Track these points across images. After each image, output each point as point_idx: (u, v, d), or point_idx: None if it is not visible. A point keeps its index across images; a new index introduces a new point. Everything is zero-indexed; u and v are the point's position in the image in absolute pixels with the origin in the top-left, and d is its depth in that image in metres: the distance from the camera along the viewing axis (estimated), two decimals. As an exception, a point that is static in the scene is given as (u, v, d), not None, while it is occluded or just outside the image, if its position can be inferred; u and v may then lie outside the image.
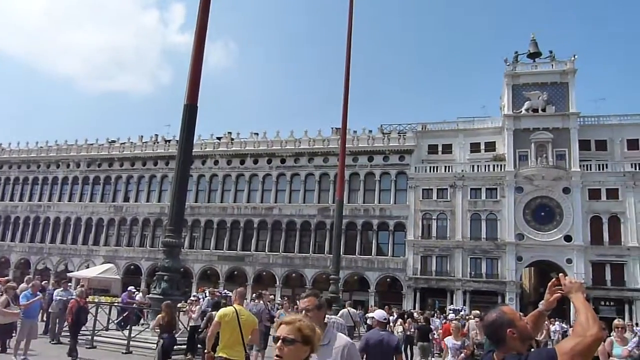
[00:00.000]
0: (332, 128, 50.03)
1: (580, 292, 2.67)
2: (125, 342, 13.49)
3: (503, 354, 2.55)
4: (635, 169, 41.43)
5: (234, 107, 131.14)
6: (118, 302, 22.57)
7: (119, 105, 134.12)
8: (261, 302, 13.56)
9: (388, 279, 45.17)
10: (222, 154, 52.23)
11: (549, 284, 3.12)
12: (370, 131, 49.64)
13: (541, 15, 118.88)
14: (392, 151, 47.17)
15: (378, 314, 6.94)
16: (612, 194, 41.61)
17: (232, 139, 53.66)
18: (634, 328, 23.51)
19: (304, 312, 3.45)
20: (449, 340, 9.63)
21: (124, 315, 17.14)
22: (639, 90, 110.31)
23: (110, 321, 16.29)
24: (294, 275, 47.60)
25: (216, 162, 52.23)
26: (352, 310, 20.35)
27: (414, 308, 39.12)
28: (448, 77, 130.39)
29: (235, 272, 49.01)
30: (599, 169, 42.33)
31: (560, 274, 3.01)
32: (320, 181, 48.55)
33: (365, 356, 5.89)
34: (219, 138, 54.35)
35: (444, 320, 24.06)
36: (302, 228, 47.83)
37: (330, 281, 13.09)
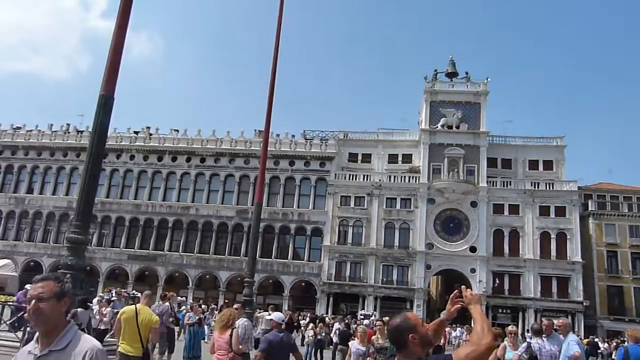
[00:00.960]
0: (255, 130, 49.84)
1: (478, 304, 2.92)
2: (19, 345, 12.63)
3: (404, 358, 2.65)
4: (535, 187, 44.77)
5: (155, 102, 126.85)
6: (13, 301, 21.04)
7: (30, 89, 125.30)
8: (166, 303, 13.26)
9: (303, 283, 45.56)
10: (138, 149, 50.28)
11: (451, 295, 3.30)
12: (293, 136, 49.97)
13: (461, 37, 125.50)
14: (313, 157, 47.75)
15: (276, 315, 7.28)
16: (514, 209, 44.69)
17: (151, 135, 51.80)
18: (526, 334, 25.36)
19: (33, 301, 2.51)
20: (354, 345, 9.18)
21: (19, 315, 16.05)
22: (541, 115, 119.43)
23: (3, 322, 15.18)
24: (207, 277, 46.73)
25: (132, 157, 50.18)
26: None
27: (327, 313, 39.78)
28: (372, 89, 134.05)
29: (146, 273, 47.27)
30: (504, 186, 45.35)
31: (463, 286, 3.20)
32: (240, 183, 48.08)
33: (267, 356, 6.26)
34: (136, 132, 52.28)
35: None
36: (219, 229, 47.09)
37: (245, 284, 13.02)
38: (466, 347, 2.58)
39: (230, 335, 7.00)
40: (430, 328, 3.22)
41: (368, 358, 8.99)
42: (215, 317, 16.07)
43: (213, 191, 48.47)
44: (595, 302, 43.33)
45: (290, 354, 6.60)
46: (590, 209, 46.39)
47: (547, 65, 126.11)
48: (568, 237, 43.41)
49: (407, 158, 49.00)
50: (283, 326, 6.96)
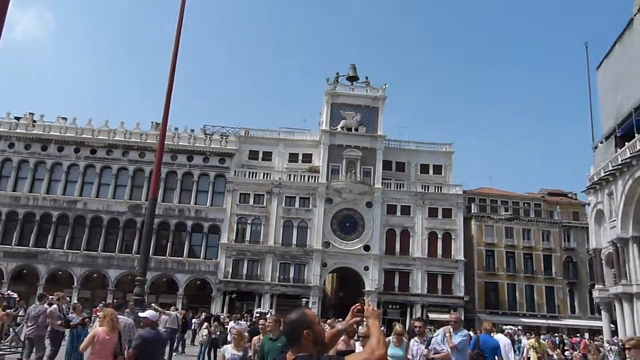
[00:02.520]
0: (152, 122, 47.92)
1: (377, 319, 3.04)
2: None
3: (295, 354, 2.69)
4: (425, 190, 47.53)
5: (41, 86, 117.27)
6: None
7: None
8: (52, 305, 12.38)
9: (198, 282, 44.57)
10: (19, 136, 46.21)
11: (353, 307, 3.38)
12: (193, 130, 48.69)
13: (363, 43, 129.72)
14: (213, 153, 46.89)
15: (150, 313, 7.24)
16: (405, 210, 47.11)
17: (34, 121, 47.73)
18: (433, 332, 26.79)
19: None
20: (227, 350, 7.57)
21: None
22: (433, 123, 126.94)
23: None
24: (95, 275, 44.08)
25: (11, 145, 46.01)
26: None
27: (223, 311, 39.26)
28: (276, 88, 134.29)
29: (25, 271, 43.58)
30: (397, 188, 47.62)
31: (367, 300, 3.42)
32: (133, 176, 45.91)
33: (140, 353, 6.43)
34: (17, 118, 47.91)
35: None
36: (109, 225, 44.60)
37: (136, 283, 12.49)
38: (359, 355, 2.73)
39: (119, 339, 6.76)
40: (327, 335, 3.24)
41: None
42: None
43: (104, 185, 45.82)
44: (475, 297, 46.98)
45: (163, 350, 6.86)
46: (473, 211, 50.18)
47: (441, 75, 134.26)
48: (453, 237, 46.61)
49: (307, 158, 49.75)
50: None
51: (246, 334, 9.30)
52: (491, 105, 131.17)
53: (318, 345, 2.77)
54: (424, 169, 50.43)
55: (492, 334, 8.45)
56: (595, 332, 39.51)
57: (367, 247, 45.50)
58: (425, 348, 7.29)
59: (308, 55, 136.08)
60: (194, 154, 46.65)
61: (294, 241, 45.25)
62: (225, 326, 21.22)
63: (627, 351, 4.36)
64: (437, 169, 50.57)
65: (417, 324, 7.77)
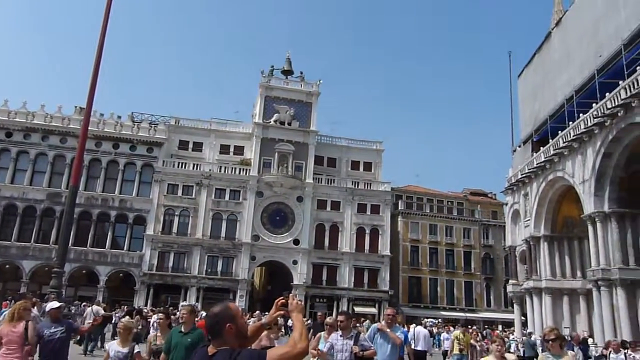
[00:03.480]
0: (76, 107, 45.50)
1: (300, 312, 3.09)
2: None
3: (217, 347, 2.68)
4: (355, 186, 48.43)
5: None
6: None
7: None
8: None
9: (121, 274, 42.95)
10: None
11: (277, 301, 3.36)
12: (120, 117, 46.71)
13: (300, 38, 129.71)
14: (140, 141, 45.22)
15: (52, 304, 7.10)
16: (335, 205, 47.79)
17: (-58, 100, 43.99)
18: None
19: None
20: (112, 347, 6.63)
21: None
22: (365, 121, 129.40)
23: None
24: (7, 267, 41.29)
25: None
26: (95, 307, 19.09)
27: (146, 304, 38.15)
28: (209, 78, 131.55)
29: None
30: (328, 183, 48.18)
31: (290, 294, 3.34)
32: (53, 163, 43.38)
33: (42, 346, 6.49)
34: None
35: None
36: (24, 214, 41.94)
37: (53, 275, 11.90)
38: (282, 348, 2.72)
39: (26, 329, 6.43)
40: (250, 329, 3.25)
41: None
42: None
43: (20, 170, 42.97)
44: (399, 291, 48.54)
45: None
46: (399, 208, 51.76)
47: (375, 74, 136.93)
48: (380, 232, 47.84)
49: (239, 150, 49.23)
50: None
51: (137, 329, 9.03)
52: (422, 106, 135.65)
53: (240, 339, 2.77)
54: (355, 165, 51.38)
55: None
56: (508, 324, 42.04)
57: (296, 241, 45.76)
58: (354, 344, 6.74)
59: (244, 47, 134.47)
60: (120, 142, 44.77)
61: (223, 234, 44.69)
62: (148, 320, 20.67)
63: (549, 343, 4.87)
64: (368, 166, 51.65)
65: (340, 317, 7.02)
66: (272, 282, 50.67)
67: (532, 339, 23.20)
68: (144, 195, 44.29)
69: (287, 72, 51.13)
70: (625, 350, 16.50)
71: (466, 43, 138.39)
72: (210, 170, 45.89)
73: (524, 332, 31.62)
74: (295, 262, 45.26)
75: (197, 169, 45.75)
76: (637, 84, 20.15)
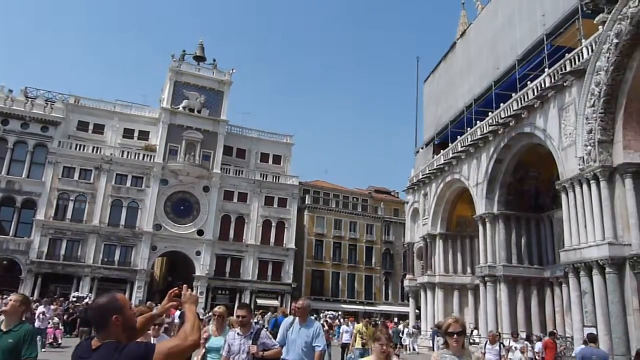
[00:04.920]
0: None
1: (194, 304, 3.00)
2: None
3: (102, 340, 2.54)
4: (263, 178, 48.33)
5: None
6: None
7: None
8: None
9: (5, 262, 39.60)
10: None
11: (170, 291, 3.25)
12: (11, 91, 42.92)
13: (215, 24, 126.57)
14: (34, 119, 41.82)
15: None
16: (242, 197, 47.41)
17: None
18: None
19: None
20: None
21: None
22: (277, 114, 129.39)
23: None
24: None
25: None
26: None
27: (33, 295, 35.53)
28: (115, 57, 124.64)
29: None
30: (236, 174, 47.65)
31: (184, 285, 3.22)
32: None
33: None
34: None
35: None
36: None
37: None
38: (172, 341, 2.64)
39: None
40: (140, 320, 3.10)
41: None
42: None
43: None
44: (302, 284, 49.20)
45: None
46: (307, 202, 52.40)
47: (290, 68, 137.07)
48: (286, 226, 48.18)
49: (144, 135, 47.26)
50: None
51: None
52: (333, 103, 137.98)
53: (128, 331, 2.65)
54: (264, 157, 51.25)
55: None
56: (404, 317, 44.17)
57: (200, 232, 44.84)
58: (253, 343, 5.68)
59: (155, 29, 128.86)
60: (10, 118, 41.08)
61: (123, 222, 42.70)
62: (34, 311, 19.30)
63: (454, 337, 3.68)
64: (277, 159, 51.73)
65: (240, 312, 5.87)
66: (173, 273, 49.25)
67: (400, 327, 28.41)
68: (35, 177, 41.09)
69: (200, 59, 49.77)
70: (527, 342, 18.11)
71: (379, 45, 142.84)
72: (111, 154, 43.60)
73: (417, 324, 33.45)
74: (198, 253, 44.34)
75: (97, 152, 43.24)
76: (527, 97, 21.95)
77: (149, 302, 17.10)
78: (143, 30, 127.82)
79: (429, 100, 37.48)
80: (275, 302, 44.70)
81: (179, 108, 46.06)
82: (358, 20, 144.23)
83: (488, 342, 12.73)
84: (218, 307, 6.75)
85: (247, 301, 42.78)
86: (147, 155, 44.79)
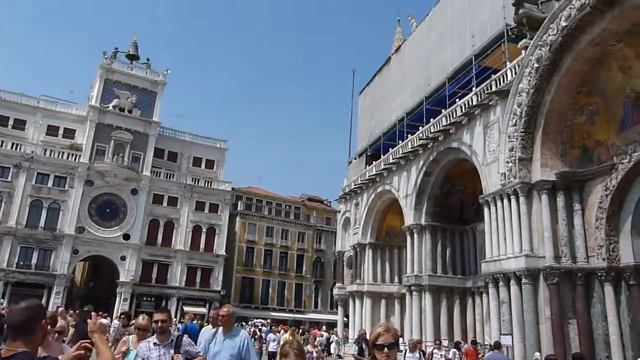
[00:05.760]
0: None
1: (103, 333, 2.92)
2: None
3: (15, 349, 2.37)
4: (195, 183, 47.33)
5: None
6: None
7: None
8: None
9: None
10: None
11: (82, 342, 2.80)
12: None
13: (150, 23, 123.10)
14: (-55, 111, 38.88)
15: None
16: (172, 201, 46.19)
17: None
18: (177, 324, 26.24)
19: None
20: None
21: None
22: (212, 119, 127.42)
23: None
24: None
25: None
26: None
27: None
28: (41, 52, 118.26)
29: None
30: (167, 178, 46.39)
31: (92, 313, 3.13)
32: None
33: None
34: None
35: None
36: None
37: None
38: None
39: None
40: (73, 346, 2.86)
41: None
42: None
43: None
44: (231, 291, 48.47)
45: None
46: (239, 208, 51.81)
47: (227, 74, 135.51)
48: (217, 232, 47.37)
49: (70, 133, 45.07)
50: None
51: None
52: (271, 111, 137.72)
53: (44, 339, 2.55)
54: (197, 162, 50.22)
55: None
56: (332, 325, 44.50)
57: (126, 236, 43.17)
58: (175, 353, 5.02)
59: (89, 26, 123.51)
60: None
61: (42, 223, 40.38)
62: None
63: (384, 350, 2.89)
64: (210, 164, 50.86)
65: (159, 317, 5.12)
66: (95, 279, 47.12)
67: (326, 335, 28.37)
68: (-56, 173, 38.08)
69: (133, 57, 48.22)
70: (455, 350, 18.67)
71: (317, 55, 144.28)
72: (33, 152, 41.20)
73: (345, 332, 33.82)
74: (123, 258, 42.63)
75: (16, 149, 40.74)
76: (455, 114, 22.92)
77: (60, 308, 16.14)
78: (75, 26, 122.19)
79: (363, 112, 38.23)
80: (203, 310, 43.69)
81: (108, 107, 44.31)
82: (299, 28, 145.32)
83: (408, 350, 12.93)
84: (142, 317, 5.66)
85: (174, 308, 41.59)
86: (72, 154, 42.69)
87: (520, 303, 17.06)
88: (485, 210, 19.91)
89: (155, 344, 5.05)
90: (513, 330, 17.05)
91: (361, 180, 33.25)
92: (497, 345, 11.06)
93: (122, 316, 13.88)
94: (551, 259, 16.56)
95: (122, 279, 41.94)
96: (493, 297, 18.73)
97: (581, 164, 17.42)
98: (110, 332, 15.91)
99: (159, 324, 5.11)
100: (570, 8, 16.07)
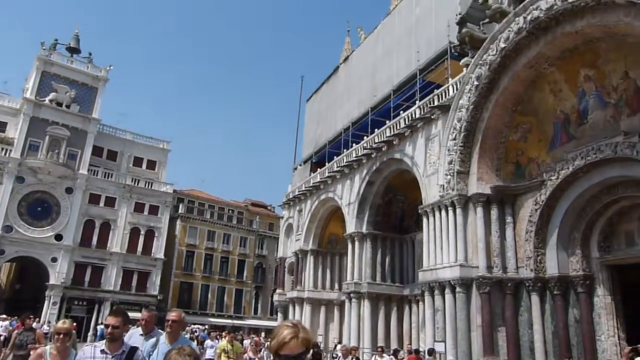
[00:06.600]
0: None
1: None
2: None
3: None
4: (135, 183, 45.92)
5: None
6: None
7: None
8: None
9: None
10: None
11: None
12: None
13: (95, 15, 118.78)
14: None
15: None
16: (110, 202, 44.59)
17: None
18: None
19: None
20: None
21: None
22: (156, 119, 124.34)
23: None
24: None
25: None
26: None
27: None
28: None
29: None
30: (105, 177, 44.74)
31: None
32: None
33: None
34: None
35: None
36: None
37: None
38: None
39: None
40: None
41: None
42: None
43: None
44: (169, 296, 47.27)
45: None
46: (180, 211, 50.70)
47: (174, 74, 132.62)
48: (156, 234, 46.13)
49: (1, 126, 42.71)
50: None
51: None
52: (218, 114, 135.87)
53: None
54: (138, 162, 48.73)
55: (158, 330, 7.63)
56: (272, 331, 44.26)
57: (59, 237, 41.25)
58: None
59: (30, 15, 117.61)
60: None
61: (-35, 221, 37.94)
62: None
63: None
64: (151, 164, 49.53)
65: (111, 320, 4.38)
66: (23, 281, 44.64)
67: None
68: None
69: (73, 50, 46.38)
70: (393, 357, 18.87)
71: (267, 59, 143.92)
72: (-43, 144, 38.72)
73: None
74: (54, 260, 40.69)
75: (-61, 140, 38.15)
76: (399, 126, 23.55)
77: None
78: (11, 13, 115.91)
79: (310, 119, 38.51)
80: (139, 315, 42.16)
81: (45, 100, 42.32)
82: (248, 30, 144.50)
83: (342, 356, 12.94)
84: (62, 321, 4.82)
85: (107, 313, 40.01)
86: (3, 148, 40.44)
87: (454, 311, 17.66)
88: (424, 220, 20.50)
89: (102, 351, 4.33)
90: (446, 337, 17.61)
91: (305, 187, 33.42)
92: (430, 352, 11.42)
93: (20, 317, 11.94)
94: (484, 269, 17.27)
95: (52, 281, 39.98)
96: (428, 305, 19.29)
97: (514, 179, 18.31)
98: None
99: (110, 329, 4.36)
100: (509, 31, 16.94)
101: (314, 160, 35.77)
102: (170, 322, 5.15)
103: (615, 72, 15.42)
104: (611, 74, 15.55)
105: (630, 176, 14.89)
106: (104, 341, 4.42)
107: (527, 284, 16.77)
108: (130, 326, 5.06)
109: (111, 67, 46.81)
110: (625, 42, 14.73)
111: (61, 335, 4.56)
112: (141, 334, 5.66)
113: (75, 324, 8.20)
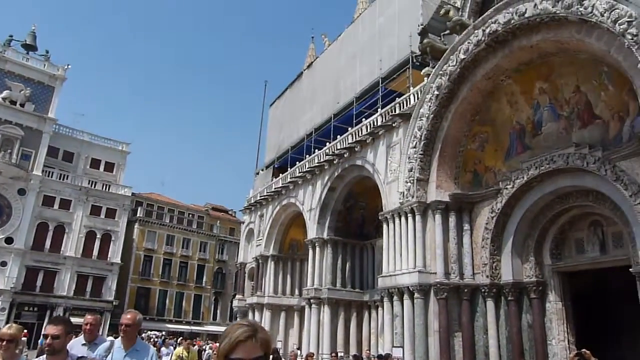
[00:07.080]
0: None
1: None
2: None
3: None
4: (92, 186, 44.67)
5: None
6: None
7: None
8: None
9: None
10: None
11: None
12: None
13: (52, 11, 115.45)
14: None
15: None
16: (65, 204, 43.22)
17: None
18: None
19: None
20: None
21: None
22: (114, 119, 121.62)
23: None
24: None
25: None
26: None
27: None
28: None
29: None
30: (60, 179, 43.37)
31: None
32: None
33: None
34: None
35: None
36: None
37: None
38: None
39: None
40: None
41: None
42: None
43: None
44: (125, 301, 46.07)
45: None
46: (138, 215, 49.63)
47: (134, 74, 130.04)
48: (113, 238, 44.96)
49: (-51, 124, 40.84)
50: None
51: None
52: (179, 116, 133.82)
53: None
54: (95, 163, 47.39)
55: (102, 337, 7.35)
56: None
57: (9, 240, 39.70)
58: None
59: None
60: None
61: None
62: None
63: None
64: (109, 167, 48.30)
65: (51, 330, 3.86)
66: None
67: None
68: None
69: (29, 47, 44.88)
70: None
71: (229, 62, 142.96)
72: None
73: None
74: (4, 264, 39.11)
75: None
76: (361, 133, 23.77)
77: None
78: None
79: (273, 124, 38.42)
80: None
81: (-3, 99, 40.77)
82: (213, 33, 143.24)
83: None
84: (7, 326, 4.16)
85: (59, 319, 38.69)
86: (-50, 147, 38.71)
87: (412, 317, 17.89)
88: (384, 226, 20.72)
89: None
90: (404, 342, 17.81)
91: (267, 192, 33.27)
92: (387, 357, 11.54)
93: None
94: (442, 275, 17.58)
95: (1, 286, 38.40)
96: (387, 310, 19.47)
97: (472, 187, 18.75)
98: None
99: (49, 339, 3.78)
100: (468, 43, 17.38)
101: (276, 166, 35.66)
102: (123, 326, 4.76)
103: (568, 86, 16.03)
104: (564, 88, 16.16)
105: (581, 186, 15.47)
106: (44, 356, 3.91)
107: (482, 290, 17.16)
108: (73, 335, 4.41)
109: (69, 66, 45.55)
110: (577, 58, 15.35)
111: (4, 342, 3.90)
112: (83, 344, 5.14)
113: (25, 330, 7.80)
